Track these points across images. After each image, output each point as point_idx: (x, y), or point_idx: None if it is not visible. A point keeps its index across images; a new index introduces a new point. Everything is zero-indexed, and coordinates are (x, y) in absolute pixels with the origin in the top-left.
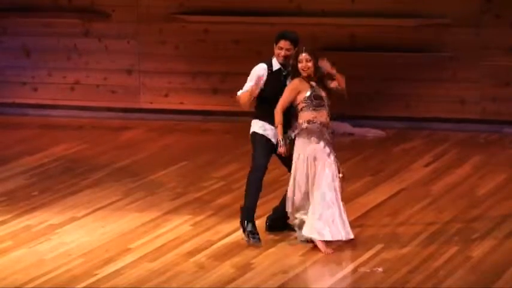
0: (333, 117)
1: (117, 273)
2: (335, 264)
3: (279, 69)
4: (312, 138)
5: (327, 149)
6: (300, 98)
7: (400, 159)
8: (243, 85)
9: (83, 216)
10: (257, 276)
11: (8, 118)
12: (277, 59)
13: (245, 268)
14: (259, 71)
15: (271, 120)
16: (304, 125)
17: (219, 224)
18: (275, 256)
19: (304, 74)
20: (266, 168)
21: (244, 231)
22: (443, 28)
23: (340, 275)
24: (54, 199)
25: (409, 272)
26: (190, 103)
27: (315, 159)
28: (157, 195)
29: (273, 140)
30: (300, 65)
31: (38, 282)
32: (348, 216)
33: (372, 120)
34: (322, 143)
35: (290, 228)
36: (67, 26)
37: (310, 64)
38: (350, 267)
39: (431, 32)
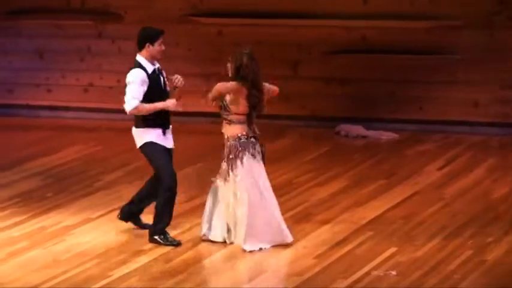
0: (346, 119)
1: (131, 274)
2: (349, 267)
3: (156, 69)
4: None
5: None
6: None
7: (414, 162)
8: None
9: (98, 217)
10: (271, 278)
11: (22, 120)
12: (157, 56)
13: (259, 270)
14: (143, 76)
15: (162, 124)
16: None
17: None
18: (289, 258)
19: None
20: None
21: (162, 241)
22: (455, 30)
23: (353, 277)
24: (68, 200)
25: (423, 275)
26: (204, 105)
27: None
28: None
29: (169, 146)
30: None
31: (53, 282)
32: (362, 219)
33: (385, 123)
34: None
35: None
36: (80, 28)
37: (228, 65)
38: (363, 270)
39: (444, 34)
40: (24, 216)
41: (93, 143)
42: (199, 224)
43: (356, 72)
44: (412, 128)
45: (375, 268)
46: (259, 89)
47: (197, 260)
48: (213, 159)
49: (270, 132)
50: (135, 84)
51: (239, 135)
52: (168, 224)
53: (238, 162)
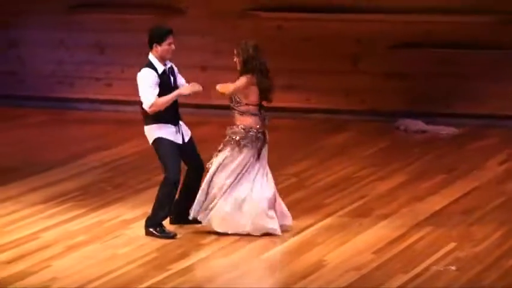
0: (406, 114)
1: (189, 268)
2: (408, 262)
3: (167, 69)
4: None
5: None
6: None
7: (474, 157)
8: (316, 82)
9: None
10: (329, 273)
11: (82, 113)
12: (166, 56)
13: (317, 265)
14: (154, 75)
15: (170, 119)
16: None
17: (292, 221)
18: (348, 253)
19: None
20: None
21: (157, 233)
22: None
23: (413, 273)
24: (127, 194)
25: (483, 270)
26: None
27: None
28: None
29: (178, 141)
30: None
31: (111, 276)
32: (421, 214)
33: (445, 118)
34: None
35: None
36: (141, 22)
37: (235, 59)
38: (423, 266)
39: (506, 28)
40: (83, 210)
41: None
42: None
43: (417, 66)
44: (472, 122)
45: (435, 263)
46: (268, 77)
47: (254, 255)
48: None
49: (330, 127)
50: (148, 83)
51: (250, 127)
52: (166, 217)
53: (236, 148)
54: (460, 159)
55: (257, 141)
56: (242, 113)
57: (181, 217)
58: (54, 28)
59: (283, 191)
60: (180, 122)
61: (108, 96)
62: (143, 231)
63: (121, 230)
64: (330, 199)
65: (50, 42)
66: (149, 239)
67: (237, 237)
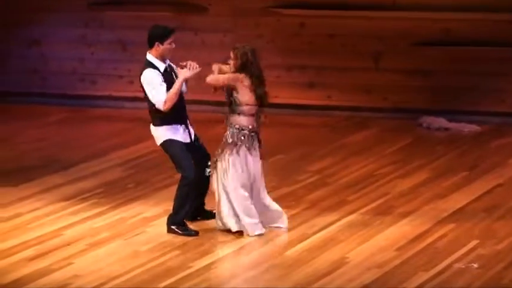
0: (428, 111)
1: (211, 265)
2: (430, 260)
3: (167, 67)
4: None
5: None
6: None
7: (496, 154)
8: (338, 79)
9: None
10: (352, 270)
11: (105, 111)
12: (167, 55)
13: (340, 262)
14: (158, 74)
15: (178, 119)
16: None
17: (314, 218)
18: (370, 250)
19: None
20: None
21: (180, 231)
22: None
23: (434, 270)
24: (149, 191)
25: (505, 268)
26: (285, 97)
27: None
28: None
29: (187, 140)
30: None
31: (133, 273)
32: (443, 212)
33: (467, 115)
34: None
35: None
36: (163, 20)
37: (231, 62)
38: (445, 263)
39: None
40: (105, 207)
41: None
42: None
43: (439, 64)
44: (494, 120)
45: (457, 261)
46: (264, 82)
47: (277, 252)
48: (296, 150)
49: (352, 124)
50: (155, 83)
51: (244, 126)
52: (187, 214)
53: (234, 150)
54: (482, 156)
55: (249, 140)
56: (238, 114)
57: (197, 212)
58: (76, 26)
59: (305, 188)
60: (188, 121)
61: (130, 94)
62: (165, 228)
63: (142, 227)
64: (352, 196)
65: (72, 39)
66: (170, 236)
67: (258, 235)
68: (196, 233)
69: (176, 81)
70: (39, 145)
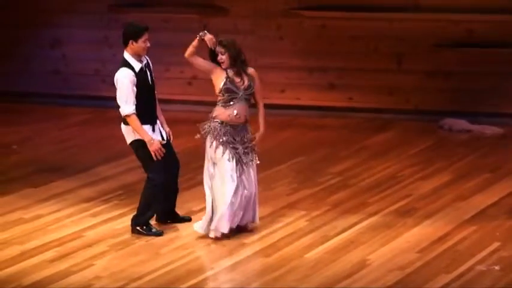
0: (450, 113)
1: (232, 267)
2: (451, 262)
3: (143, 66)
4: (209, 137)
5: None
6: (216, 86)
7: None
8: (359, 81)
9: (200, 211)
10: (373, 272)
11: None
12: (141, 53)
13: (361, 264)
14: (131, 76)
15: (147, 120)
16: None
17: (335, 220)
18: (392, 252)
19: (222, 66)
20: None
21: (144, 231)
22: None
23: (456, 272)
24: None
25: None
26: (307, 99)
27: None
28: (274, 190)
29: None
30: (217, 58)
31: (155, 275)
32: (465, 214)
33: (489, 117)
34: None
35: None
36: (185, 21)
37: (224, 57)
38: (466, 265)
39: None
40: (126, 209)
41: (196, 135)
42: (300, 218)
43: (461, 66)
44: None
45: (478, 263)
46: (246, 73)
47: (297, 255)
48: (314, 152)
49: (373, 126)
50: (126, 86)
51: (222, 119)
52: (152, 216)
53: (215, 142)
54: (504, 158)
55: (219, 132)
56: (225, 106)
57: (168, 216)
58: (98, 27)
59: (326, 191)
60: (158, 121)
61: None
62: (187, 230)
63: (164, 229)
64: (374, 198)
65: (94, 41)
66: (192, 237)
67: (280, 237)
68: (161, 233)
69: (145, 133)
70: (60, 146)
